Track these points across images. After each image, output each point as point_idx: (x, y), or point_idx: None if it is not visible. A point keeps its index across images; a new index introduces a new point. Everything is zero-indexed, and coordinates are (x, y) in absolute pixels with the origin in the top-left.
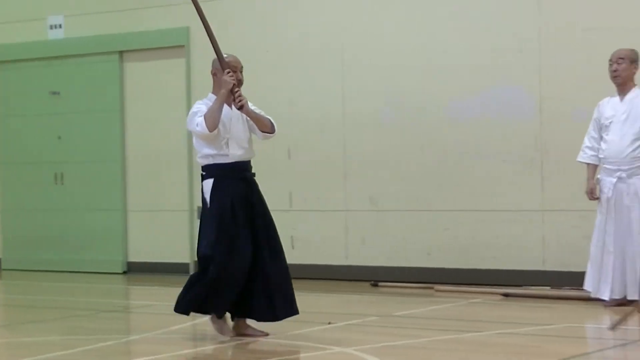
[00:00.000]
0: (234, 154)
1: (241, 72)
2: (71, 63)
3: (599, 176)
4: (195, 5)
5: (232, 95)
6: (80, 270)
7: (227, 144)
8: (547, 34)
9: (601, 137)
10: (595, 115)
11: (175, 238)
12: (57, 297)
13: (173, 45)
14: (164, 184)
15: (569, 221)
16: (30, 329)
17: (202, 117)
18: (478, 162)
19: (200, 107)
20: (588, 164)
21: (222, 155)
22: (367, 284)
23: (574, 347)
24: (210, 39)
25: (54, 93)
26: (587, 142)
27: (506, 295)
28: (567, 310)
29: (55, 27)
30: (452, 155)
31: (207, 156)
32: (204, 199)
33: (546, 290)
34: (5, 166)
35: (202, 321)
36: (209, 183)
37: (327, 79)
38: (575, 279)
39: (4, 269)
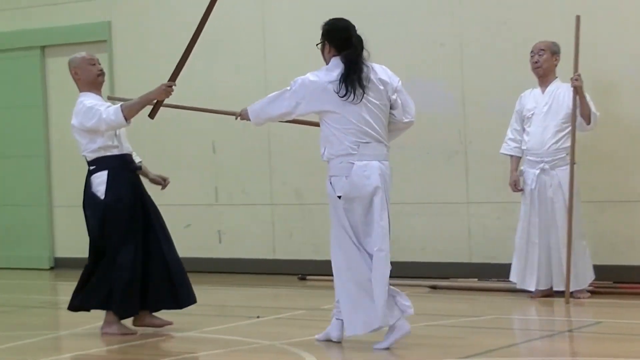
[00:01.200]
0: (122, 145)
1: (99, 63)
2: None
3: (522, 168)
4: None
5: (157, 105)
6: (6, 266)
7: (117, 135)
8: (468, 26)
9: (524, 129)
10: (517, 107)
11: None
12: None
13: (95, 40)
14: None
15: (493, 213)
16: None
17: (114, 107)
18: (402, 155)
19: (93, 100)
20: (511, 155)
21: (114, 147)
22: (295, 277)
23: (501, 338)
24: (187, 50)
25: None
26: (509, 134)
27: (433, 287)
28: (493, 302)
29: None
30: None
31: (98, 149)
32: (91, 193)
33: (473, 282)
34: None
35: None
36: (101, 175)
37: (233, 78)
38: (501, 270)
39: None
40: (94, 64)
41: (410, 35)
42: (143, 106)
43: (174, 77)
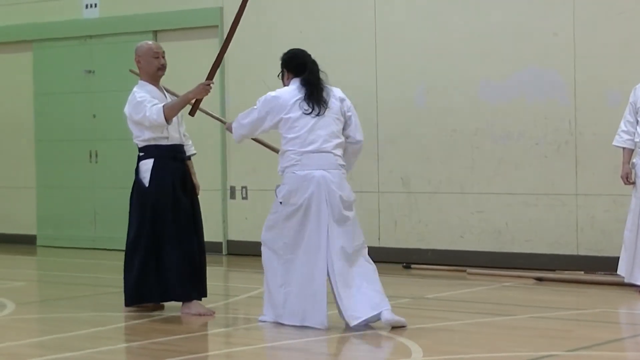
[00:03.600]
0: (172, 135)
1: (164, 57)
2: (106, 42)
3: (634, 160)
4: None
5: (196, 103)
6: (114, 247)
7: (166, 127)
8: (582, 16)
9: (637, 121)
10: (631, 99)
11: (209, 218)
12: (90, 274)
13: (206, 25)
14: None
15: (603, 206)
16: (62, 305)
17: (157, 106)
18: (511, 145)
19: (144, 95)
20: (624, 148)
21: (163, 137)
22: (399, 266)
23: (607, 332)
24: (223, 47)
25: (89, 72)
26: (622, 126)
27: (539, 279)
28: (600, 295)
29: (91, 6)
30: (484, 137)
31: (148, 139)
32: (138, 179)
33: (579, 275)
34: (41, 144)
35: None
36: (148, 163)
37: (361, 62)
38: (609, 264)
39: (39, 246)
40: (158, 57)
41: (523, 24)
42: (183, 106)
43: (211, 75)
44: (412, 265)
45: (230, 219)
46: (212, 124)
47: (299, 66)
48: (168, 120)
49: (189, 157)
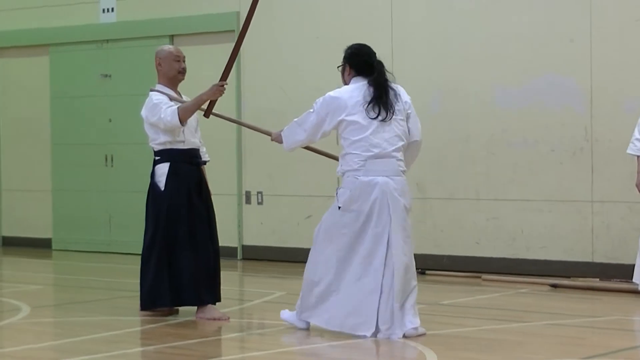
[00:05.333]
0: (188, 140)
1: (184, 61)
2: (122, 46)
3: None
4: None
5: (211, 105)
6: (129, 251)
7: (182, 131)
8: (599, 23)
9: None
10: None
11: (224, 222)
12: (106, 278)
13: (223, 30)
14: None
15: (618, 213)
16: (77, 309)
17: (172, 108)
18: (526, 151)
19: (161, 97)
20: (638, 156)
21: (179, 141)
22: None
23: (622, 339)
24: (236, 47)
25: (105, 76)
26: (637, 134)
27: (554, 286)
28: (615, 302)
29: (108, 10)
30: (500, 144)
31: (164, 143)
32: (154, 183)
33: (595, 282)
34: (57, 147)
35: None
36: (164, 167)
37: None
38: (624, 271)
39: (55, 249)
40: (179, 61)
41: (540, 30)
42: (197, 107)
43: (224, 76)
44: (427, 271)
45: (245, 223)
46: (227, 129)
47: (364, 64)
48: (182, 121)
49: (204, 162)
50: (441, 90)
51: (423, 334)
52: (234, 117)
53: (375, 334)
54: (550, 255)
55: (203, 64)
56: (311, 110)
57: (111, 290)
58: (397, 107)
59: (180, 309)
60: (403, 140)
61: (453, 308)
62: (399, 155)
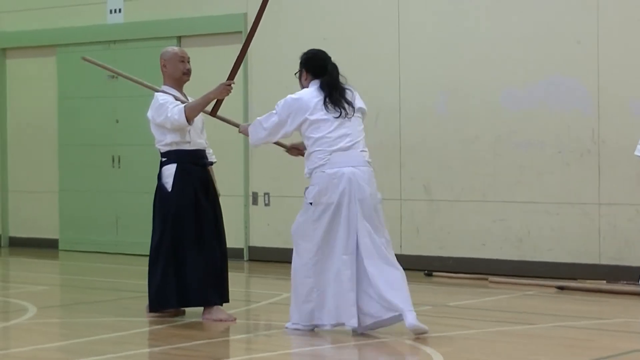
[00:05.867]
0: (195, 140)
1: (189, 62)
2: (130, 47)
3: None
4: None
5: (217, 104)
6: (136, 252)
7: (189, 132)
8: (606, 24)
9: None
10: None
11: (231, 223)
12: (112, 278)
13: (230, 31)
14: (220, 169)
15: (625, 215)
16: (83, 309)
17: (179, 106)
18: (533, 152)
19: (167, 97)
20: None
21: (185, 142)
22: (421, 273)
23: (629, 342)
24: (244, 46)
25: (112, 77)
26: None
27: (561, 288)
28: (622, 304)
29: (115, 11)
30: (506, 145)
31: (170, 143)
32: (161, 184)
33: (601, 284)
34: (64, 148)
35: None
36: (171, 168)
37: (383, 68)
38: (631, 273)
39: (62, 250)
40: (183, 62)
41: (546, 32)
42: (204, 106)
43: (232, 75)
44: (434, 273)
45: (252, 225)
46: (234, 130)
47: (318, 67)
48: (189, 120)
49: (211, 163)
50: (447, 92)
51: (425, 331)
52: (240, 119)
53: (360, 323)
54: (557, 257)
55: (210, 65)
56: (273, 111)
57: (118, 291)
58: (357, 104)
59: (187, 310)
60: (363, 134)
61: (460, 310)
62: (362, 146)
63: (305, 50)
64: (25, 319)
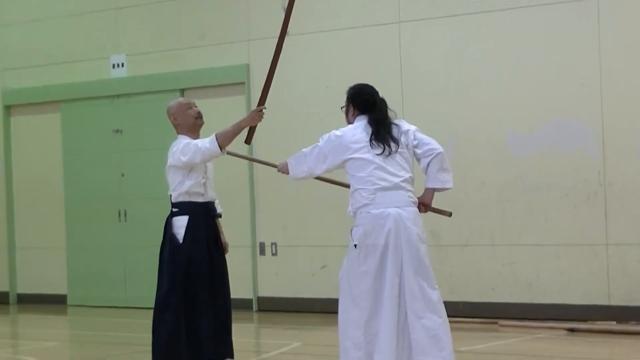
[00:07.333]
0: (208, 193)
1: (195, 105)
2: (133, 101)
3: None
4: (278, 43)
5: (251, 131)
6: (145, 306)
7: (204, 184)
8: (609, 66)
9: None
10: None
11: (239, 274)
12: (121, 333)
13: (233, 83)
14: (227, 219)
15: (634, 255)
16: None
17: (209, 137)
18: (540, 196)
19: (187, 139)
20: None
21: (199, 194)
22: None
23: None
24: (270, 70)
25: (117, 131)
26: None
27: (571, 330)
28: (633, 345)
29: (118, 65)
30: (513, 189)
31: (184, 193)
32: (172, 235)
33: (612, 325)
34: (70, 203)
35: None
36: (182, 220)
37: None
38: None
39: (70, 305)
40: (191, 107)
41: (549, 76)
42: (236, 134)
43: (262, 100)
44: None
45: (260, 275)
46: (240, 179)
47: (365, 102)
48: (222, 148)
49: (219, 215)
50: (453, 138)
51: None
52: (245, 165)
53: None
54: (566, 299)
55: (214, 117)
56: (318, 143)
57: (128, 345)
58: (402, 140)
59: None
60: (409, 173)
61: (471, 355)
62: (407, 186)
63: (309, 99)
64: None
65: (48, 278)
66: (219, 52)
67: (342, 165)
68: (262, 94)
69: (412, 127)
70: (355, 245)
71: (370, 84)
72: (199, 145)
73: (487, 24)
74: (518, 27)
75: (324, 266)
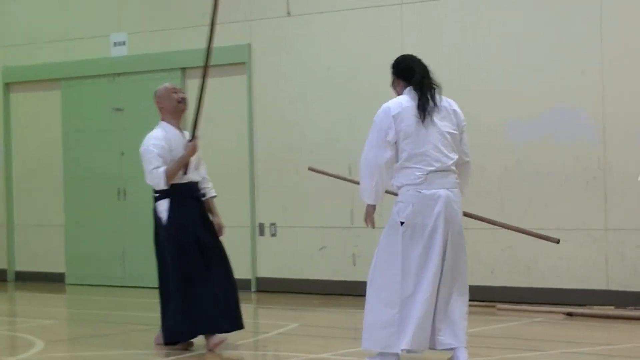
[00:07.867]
0: (189, 175)
1: (181, 91)
2: (134, 80)
3: None
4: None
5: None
6: (143, 285)
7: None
8: (610, 53)
9: None
10: None
11: (238, 254)
12: (119, 311)
13: (234, 62)
14: (227, 200)
15: (633, 240)
16: (91, 343)
17: (159, 171)
18: (539, 182)
19: (157, 142)
20: None
21: (177, 177)
22: None
23: None
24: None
25: (117, 109)
26: None
27: (569, 314)
28: (631, 330)
29: (119, 44)
30: (513, 175)
31: None
32: (157, 218)
33: (610, 310)
34: (69, 182)
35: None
36: (164, 203)
37: (385, 100)
38: (639, 298)
39: (68, 284)
40: (175, 92)
41: (551, 62)
42: (180, 168)
43: (194, 132)
44: None
45: (259, 255)
46: (239, 161)
47: (405, 71)
48: (167, 185)
49: (203, 195)
50: None
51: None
52: (245, 153)
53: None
54: (565, 284)
55: (215, 97)
56: (373, 126)
57: (126, 324)
58: (445, 113)
59: (196, 342)
60: (457, 154)
61: (469, 338)
62: (455, 169)
63: (309, 85)
64: (33, 354)
65: (47, 256)
66: (220, 31)
67: (396, 136)
68: (193, 125)
69: (463, 116)
70: (401, 223)
71: (371, 65)
72: (151, 168)
73: (490, 9)
74: (520, 13)
75: (322, 247)
